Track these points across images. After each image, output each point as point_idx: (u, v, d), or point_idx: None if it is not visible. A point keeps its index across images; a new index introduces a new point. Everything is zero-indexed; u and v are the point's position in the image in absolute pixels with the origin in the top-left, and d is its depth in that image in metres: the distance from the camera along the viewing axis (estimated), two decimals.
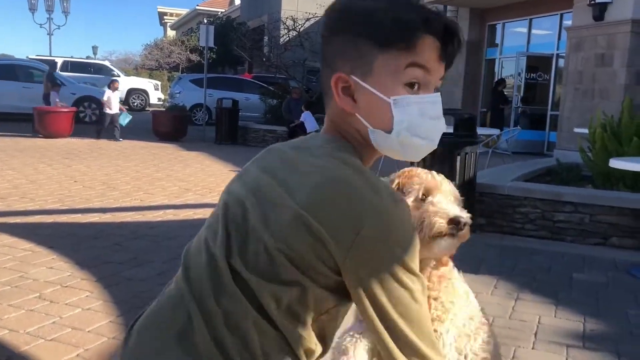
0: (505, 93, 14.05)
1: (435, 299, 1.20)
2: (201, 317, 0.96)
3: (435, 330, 1.11)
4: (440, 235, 1.11)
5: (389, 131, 0.98)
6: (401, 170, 1.19)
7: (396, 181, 1.17)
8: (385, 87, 0.96)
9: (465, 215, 1.12)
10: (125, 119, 12.75)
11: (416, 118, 0.98)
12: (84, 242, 4.41)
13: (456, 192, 1.18)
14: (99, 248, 4.28)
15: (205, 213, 5.68)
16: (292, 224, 0.89)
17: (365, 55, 0.97)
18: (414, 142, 0.99)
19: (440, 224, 1.10)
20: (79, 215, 5.32)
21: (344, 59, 0.99)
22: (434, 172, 1.18)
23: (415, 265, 0.93)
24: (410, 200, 1.11)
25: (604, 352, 2.81)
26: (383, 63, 0.96)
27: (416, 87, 0.98)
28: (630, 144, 5.48)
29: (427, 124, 0.99)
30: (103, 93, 13.38)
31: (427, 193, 1.14)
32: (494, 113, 13.54)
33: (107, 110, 12.33)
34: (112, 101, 12.38)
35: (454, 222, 1.10)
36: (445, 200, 1.14)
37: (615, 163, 4.19)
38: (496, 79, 14.39)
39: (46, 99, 13.38)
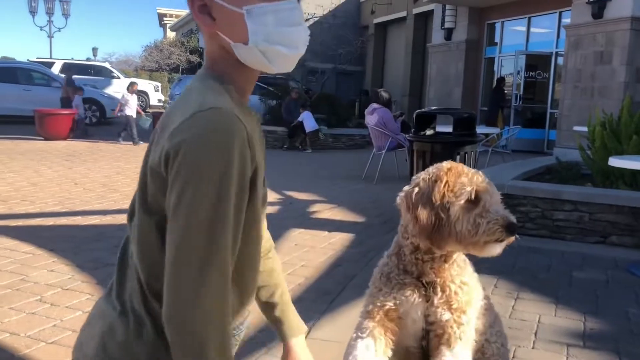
0: (505, 92, 14.08)
1: (464, 283, 1.25)
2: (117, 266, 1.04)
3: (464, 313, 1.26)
4: (496, 240, 1.15)
5: (247, 42, 0.95)
6: (445, 166, 1.21)
7: (445, 179, 1.19)
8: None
9: (515, 220, 1.18)
10: (145, 122, 12.70)
11: (272, 27, 0.95)
12: (84, 245, 4.42)
13: (499, 195, 1.23)
14: (100, 250, 4.29)
15: None
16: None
17: None
18: (277, 51, 0.96)
19: (499, 231, 1.14)
20: (80, 217, 5.33)
21: None
22: (480, 172, 1.20)
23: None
24: (461, 202, 1.14)
25: (605, 351, 2.81)
26: None
27: None
28: (630, 142, 5.48)
29: (286, 31, 0.96)
30: (105, 96, 13.41)
31: (478, 195, 1.17)
32: (494, 111, 13.57)
33: (125, 112, 12.23)
34: (131, 103, 12.29)
35: (510, 229, 1.15)
36: (497, 204, 1.18)
37: (615, 162, 4.20)
38: (497, 77, 14.38)
39: (64, 102, 13.43)
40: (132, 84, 13.01)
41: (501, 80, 14.04)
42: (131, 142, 11.97)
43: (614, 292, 3.71)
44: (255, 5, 0.94)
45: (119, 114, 12.57)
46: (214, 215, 0.85)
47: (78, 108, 12.90)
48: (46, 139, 11.88)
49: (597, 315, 3.29)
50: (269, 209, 6.08)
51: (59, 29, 26.90)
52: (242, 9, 0.94)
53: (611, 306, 3.45)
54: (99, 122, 15.55)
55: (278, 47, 0.96)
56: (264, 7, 0.94)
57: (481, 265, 4.17)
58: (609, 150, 5.61)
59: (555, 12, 12.97)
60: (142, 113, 13.04)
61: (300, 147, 12.55)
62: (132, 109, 12.26)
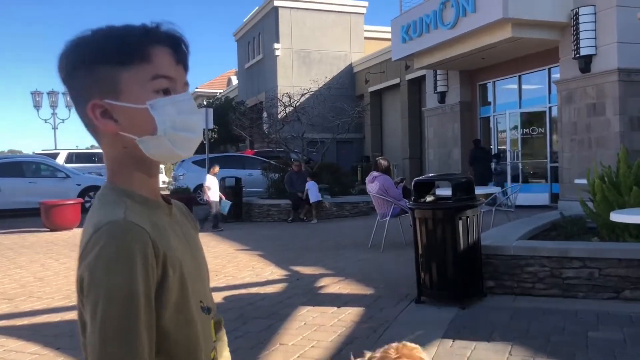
0: (488, 148, 14.48)
1: None
2: None
3: None
4: None
5: (155, 132, 1.04)
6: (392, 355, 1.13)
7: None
8: (139, 97, 1.03)
9: None
10: (226, 207, 12.18)
11: (175, 115, 1.05)
12: None
13: None
14: None
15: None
16: None
17: (109, 78, 1.03)
18: (183, 137, 1.07)
19: None
20: None
21: (91, 88, 1.04)
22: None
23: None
24: None
25: None
26: (129, 79, 1.03)
27: (166, 93, 1.05)
28: (631, 193, 5.49)
29: (188, 118, 1.07)
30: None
31: None
32: (481, 170, 13.80)
33: (209, 198, 11.77)
34: (213, 187, 11.78)
35: None
36: None
37: (616, 217, 4.19)
38: (473, 139, 14.73)
39: None
40: (212, 166, 12.46)
41: (477, 141, 14.50)
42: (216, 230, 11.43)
43: (632, 352, 3.62)
44: (156, 99, 1.04)
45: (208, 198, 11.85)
46: (125, 331, 0.92)
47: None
48: (52, 230, 11.97)
49: None
50: (277, 287, 6.04)
51: (63, 120, 27.66)
52: (146, 104, 1.03)
53: None
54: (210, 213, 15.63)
55: (184, 133, 1.07)
56: (164, 100, 1.05)
57: (494, 332, 4.10)
58: (611, 203, 5.61)
59: (545, 69, 13.30)
60: (223, 197, 12.18)
61: (304, 218, 12.58)
62: (214, 193, 11.76)
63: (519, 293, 5.09)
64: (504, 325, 4.31)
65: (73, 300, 5.72)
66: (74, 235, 11.21)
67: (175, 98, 1.06)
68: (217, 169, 12.34)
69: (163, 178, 23.25)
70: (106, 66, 1.03)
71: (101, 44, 1.04)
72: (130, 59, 1.03)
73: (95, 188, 15.82)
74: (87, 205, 13.04)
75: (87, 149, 26.19)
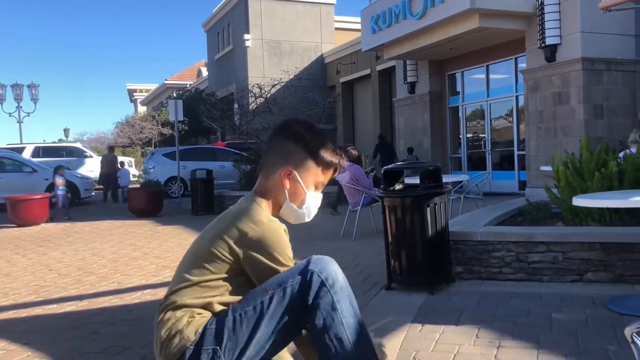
0: (391, 142, 16.56)
1: None
2: None
3: None
4: None
5: (300, 206, 2.05)
6: None
7: None
8: (307, 183, 1.99)
9: None
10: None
11: (313, 202, 2.08)
12: (60, 334, 4.32)
13: None
14: (76, 338, 4.20)
15: None
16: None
17: (306, 162, 1.98)
18: (307, 213, 2.10)
19: None
20: (55, 305, 5.23)
21: (294, 157, 1.95)
22: None
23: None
24: None
25: None
26: (311, 172, 1.97)
27: (316, 188, 2.09)
28: (593, 178, 5.64)
29: (315, 204, 2.10)
30: (78, 176, 13.33)
31: None
32: (387, 164, 14.82)
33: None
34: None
35: None
36: None
37: (578, 201, 4.31)
38: (379, 134, 16.68)
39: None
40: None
41: (382, 136, 15.56)
42: None
43: (593, 331, 3.74)
44: (312, 191, 2.05)
45: None
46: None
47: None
48: (19, 225, 11.74)
49: (578, 357, 3.30)
50: None
51: (28, 114, 26.99)
52: (308, 192, 2.01)
53: (592, 346, 3.46)
54: (73, 203, 15.44)
55: (308, 210, 2.10)
56: (314, 193, 2.07)
57: (462, 316, 4.19)
58: (574, 189, 5.76)
59: (511, 59, 13.51)
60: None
61: None
62: None
63: (486, 278, 5.21)
64: (472, 309, 4.40)
65: (41, 295, 5.66)
66: (42, 230, 11.02)
67: (318, 195, 2.07)
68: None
69: (134, 171, 22.95)
70: (309, 155, 1.96)
71: (316, 144, 1.97)
72: (323, 164, 2.00)
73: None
74: (54, 200, 12.80)
75: (54, 142, 25.67)
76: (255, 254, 1.88)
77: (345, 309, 1.85)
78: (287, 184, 1.94)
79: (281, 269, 1.94)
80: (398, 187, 5.35)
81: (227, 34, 26.16)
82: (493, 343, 3.61)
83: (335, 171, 2.02)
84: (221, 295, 1.92)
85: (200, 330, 1.86)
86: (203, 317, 1.90)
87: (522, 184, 12.79)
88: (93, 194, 16.94)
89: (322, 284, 1.82)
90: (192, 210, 13.23)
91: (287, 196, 1.97)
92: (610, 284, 4.79)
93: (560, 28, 10.99)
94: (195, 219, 12.30)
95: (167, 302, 1.95)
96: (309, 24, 24.51)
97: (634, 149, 7.48)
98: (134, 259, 7.48)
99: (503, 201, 8.25)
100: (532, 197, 7.43)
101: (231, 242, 1.88)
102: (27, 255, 8.08)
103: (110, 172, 17.85)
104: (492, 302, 4.54)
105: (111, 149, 20.21)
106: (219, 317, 1.88)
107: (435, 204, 5.01)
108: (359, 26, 17.67)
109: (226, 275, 1.91)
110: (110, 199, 17.75)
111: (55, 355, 3.83)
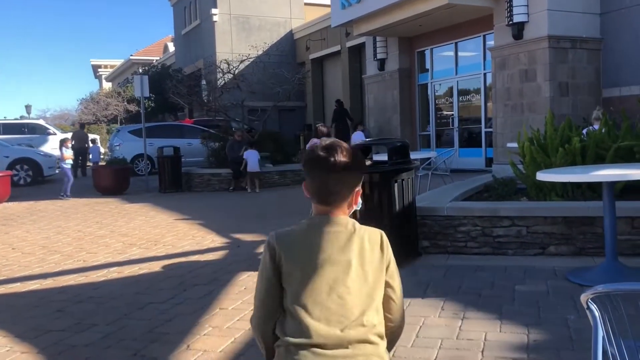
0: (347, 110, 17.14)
1: None
2: None
3: None
4: None
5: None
6: None
7: None
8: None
9: None
10: None
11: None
12: (23, 313, 4.25)
13: None
14: (40, 317, 4.13)
15: (150, 267, 5.58)
16: None
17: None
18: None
19: None
20: (18, 284, 5.13)
21: (360, 180, 1.71)
22: None
23: None
24: None
25: None
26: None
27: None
28: (557, 154, 5.74)
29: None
30: (40, 154, 12.97)
31: None
32: (341, 127, 16.03)
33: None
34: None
35: None
36: None
37: (541, 176, 4.39)
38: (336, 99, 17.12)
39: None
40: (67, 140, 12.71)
41: (339, 101, 16.02)
42: None
43: (554, 302, 3.85)
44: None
45: None
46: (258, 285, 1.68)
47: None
48: None
49: (539, 326, 3.39)
50: (218, 254, 6.03)
51: None
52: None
53: (552, 316, 3.56)
54: (35, 182, 15.08)
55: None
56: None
57: (428, 289, 4.24)
58: (539, 164, 5.86)
59: (480, 36, 13.57)
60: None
61: (247, 187, 12.51)
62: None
63: (452, 252, 5.29)
64: (438, 282, 4.48)
65: (3, 274, 5.55)
66: (4, 209, 10.75)
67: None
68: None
69: (101, 150, 22.48)
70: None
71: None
72: None
73: (25, 160, 15.17)
74: (16, 178, 12.47)
75: (16, 119, 24.94)
76: None
77: None
78: (354, 200, 1.72)
79: None
80: (367, 163, 5.37)
81: (194, 8, 25.59)
82: (458, 315, 3.69)
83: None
84: None
85: None
86: None
87: (489, 161, 12.97)
88: (57, 171, 16.58)
89: None
90: (159, 188, 13.06)
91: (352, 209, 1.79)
92: (572, 256, 4.93)
93: (527, 6, 11.05)
94: (163, 196, 12.15)
95: None
96: None
97: (596, 126, 7.64)
98: (100, 237, 7.36)
99: (470, 178, 8.36)
100: (499, 174, 7.54)
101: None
102: None
103: (81, 149, 18.12)
104: (458, 275, 4.62)
105: (82, 126, 20.37)
106: None
107: (403, 179, 5.04)
108: (328, 1, 17.48)
109: None
110: (80, 175, 17.59)
111: (18, 333, 3.77)
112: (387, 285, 1.66)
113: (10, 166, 14.24)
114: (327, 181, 1.63)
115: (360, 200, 1.73)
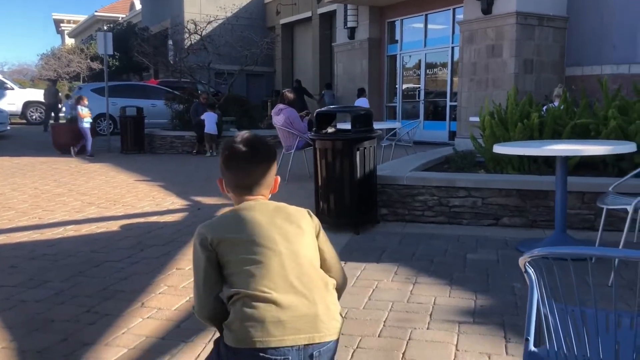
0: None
1: None
2: None
3: None
4: None
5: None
6: None
7: None
8: None
9: None
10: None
11: None
12: None
13: None
14: None
15: (108, 226, 5.53)
16: None
17: None
18: None
19: None
20: None
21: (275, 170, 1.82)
22: None
23: None
24: None
25: (492, 325, 3.01)
26: None
27: None
28: (516, 129, 5.87)
29: None
30: None
31: None
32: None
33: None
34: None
35: None
36: None
37: (498, 148, 4.48)
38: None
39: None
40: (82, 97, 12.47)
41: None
42: None
43: (503, 270, 3.98)
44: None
45: None
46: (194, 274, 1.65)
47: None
48: None
49: (487, 293, 3.52)
50: (177, 216, 6.01)
51: None
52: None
53: (500, 283, 3.70)
54: None
55: None
56: None
57: (383, 255, 4.33)
58: (498, 138, 5.98)
59: (450, 9, 13.60)
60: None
61: (207, 151, 12.37)
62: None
63: (409, 220, 5.40)
64: (393, 248, 4.58)
65: None
66: None
67: None
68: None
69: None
70: None
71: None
72: None
73: None
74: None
75: None
76: None
77: None
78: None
79: None
80: (330, 130, 5.38)
81: None
82: (410, 279, 3.79)
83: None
84: None
85: None
86: None
87: (453, 135, 13.14)
88: (8, 127, 16.11)
89: None
90: (121, 149, 12.84)
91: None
92: (524, 228, 5.09)
93: None
94: (124, 157, 11.96)
95: None
96: None
97: (557, 103, 7.81)
98: (58, 195, 7.23)
99: (432, 150, 8.47)
100: (460, 147, 7.66)
101: None
102: None
103: (52, 104, 19.17)
104: (413, 243, 4.73)
105: (53, 82, 21.24)
106: None
107: (365, 148, 5.08)
108: None
109: None
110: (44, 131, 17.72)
111: None
112: (322, 250, 1.73)
113: None
114: (253, 172, 1.73)
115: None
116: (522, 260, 1.70)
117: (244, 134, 1.78)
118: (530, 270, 1.71)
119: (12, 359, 2.71)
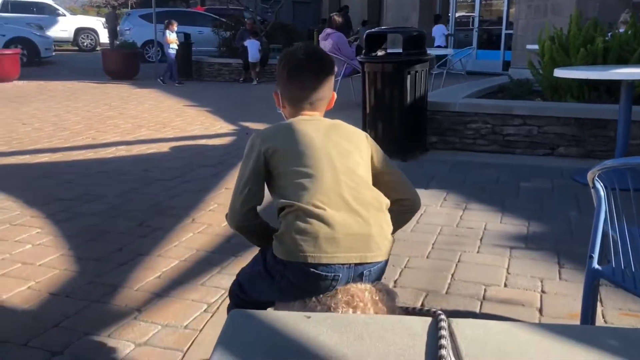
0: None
1: None
2: None
3: None
4: None
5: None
6: None
7: None
8: None
9: None
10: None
11: None
12: (33, 182, 4.32)
13: None
14: (49, 186, 4.21)
15: (159, 148, 5.61)
16: None
17: None
18: None
19: None
20: (28, 156, 5.19)
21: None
22: None
23: None
24: None
25: (544, 251, 2.94)
26: None
27: None
28: (577, 55, 5.54)
29: None
30: (37, 34, 12.68)
31: None
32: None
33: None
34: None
35: None
36: None
37: (559, 72, 4.24)
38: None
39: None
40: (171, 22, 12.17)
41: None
42: None
43: (557, 199, 3.86)
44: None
45: None
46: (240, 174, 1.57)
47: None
48: None
49: (540, 220, 3.42)
50: (225, 140, 6.04)
51: None
52: None
53: (554, 211, 3.59)
54: (31, 63, 14.81)
55: None
56: None
57: (432, 181, 4.26)
58: (557, 64, 5.66)
59: None
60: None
61: (253, 79, 12.27)
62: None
63: (459, 149, 5.26)
64: (443, 176, 4.49)
65: (14, 146, 5.61)
66: (14, 88, 10.71)
67: None
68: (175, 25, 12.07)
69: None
70: None
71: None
72: None
73: (21, 40, 14.85)
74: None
75: None
76: None
77: None
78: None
79: None
80: (380, 53, 5.21)
81: None
82: (459, 205, 3.72)
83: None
84: None
85: None
86: None
87: (507, 65, 12.61)
88: (53, 53, 16.32)
89: None
90: (169, 75, 12.88)
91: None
92: (581, 158, 4.89)
93: None
94: (172, 84, 12.02)
95: None
96: None
97: (622, 30, 7.31)
98: (109, 118, 7.36)
99: (486, 79, 8.16)
100: (515, 77, 7.33)
101: None
102: (0, 110, 7.90)
103: (112, 29, 20.43)
104: (463, 170, 4.62)
105: (113, 7, 23.17)
106: None
107: (417, 71, 4.91)
108: None
109: None
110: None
111: (28, 200, 3.86)
112: (386, 172, 1.63)
113: (6, 45, 14.01)
114: (317, 84, 1.62)
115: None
116: (591, 175, 1.60)
117: (306, 44, 1.69)
118: (600, 185, 1.62)
119: (72, 265, 2.82)
